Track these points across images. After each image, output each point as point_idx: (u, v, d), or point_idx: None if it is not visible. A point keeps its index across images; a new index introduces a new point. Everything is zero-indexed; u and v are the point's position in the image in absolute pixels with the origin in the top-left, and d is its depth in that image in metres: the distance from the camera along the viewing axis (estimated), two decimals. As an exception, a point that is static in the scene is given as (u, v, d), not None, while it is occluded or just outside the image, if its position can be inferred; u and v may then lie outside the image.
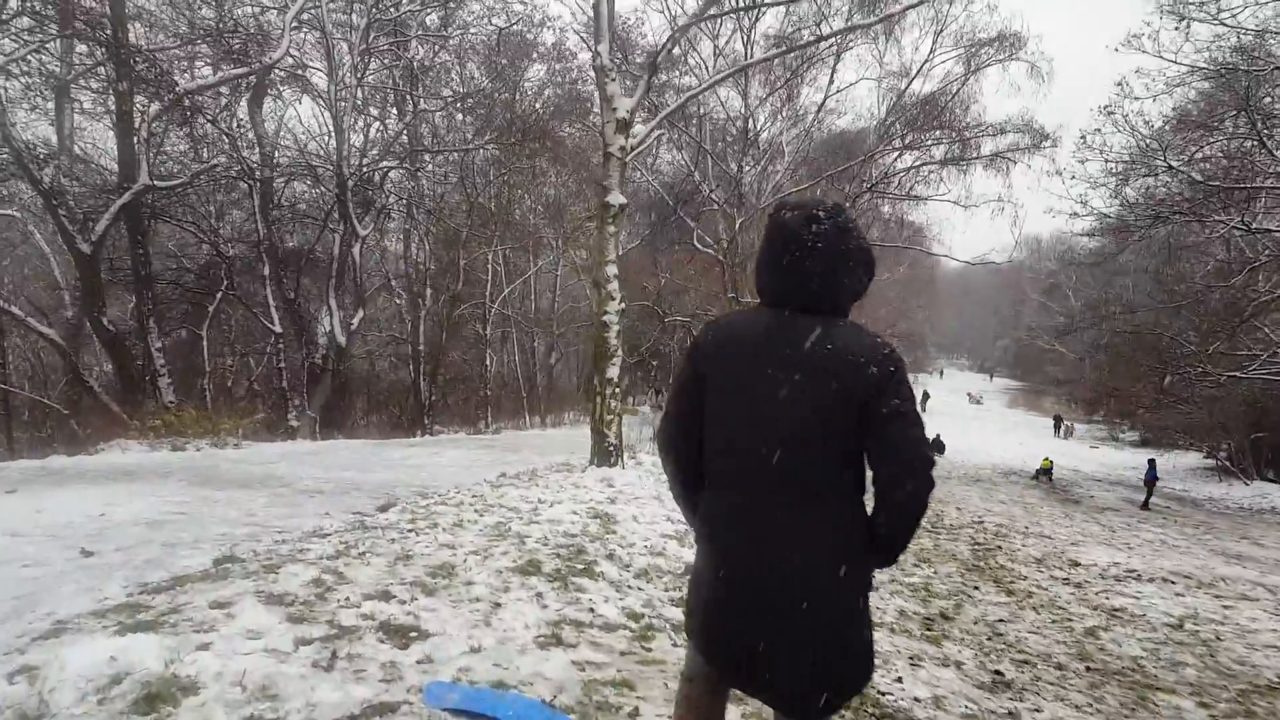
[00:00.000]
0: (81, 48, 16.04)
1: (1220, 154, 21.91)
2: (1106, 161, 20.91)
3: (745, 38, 21.19)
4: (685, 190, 22.75)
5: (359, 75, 19.40)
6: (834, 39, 18.24)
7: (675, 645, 3.78)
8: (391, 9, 20.23)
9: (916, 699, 3.94)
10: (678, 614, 4.30)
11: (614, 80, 8.51)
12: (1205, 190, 19.51)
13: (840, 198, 22.94)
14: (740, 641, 1.84)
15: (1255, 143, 19.87)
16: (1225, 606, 8.28)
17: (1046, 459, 23.96)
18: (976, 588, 7.80)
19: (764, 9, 17.54)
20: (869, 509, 1.86)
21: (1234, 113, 19.96)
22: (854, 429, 1.76)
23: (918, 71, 22.11)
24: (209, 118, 18.69)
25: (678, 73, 20.85)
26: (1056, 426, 45.08)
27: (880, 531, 1.82)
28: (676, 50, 17.81)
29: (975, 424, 43.65)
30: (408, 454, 12.71)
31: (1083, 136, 20.33)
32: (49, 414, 18.61)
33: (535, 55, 22.96)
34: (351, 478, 9.17)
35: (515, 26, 21.22)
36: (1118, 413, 38.86)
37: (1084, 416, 47.17)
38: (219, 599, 3.62)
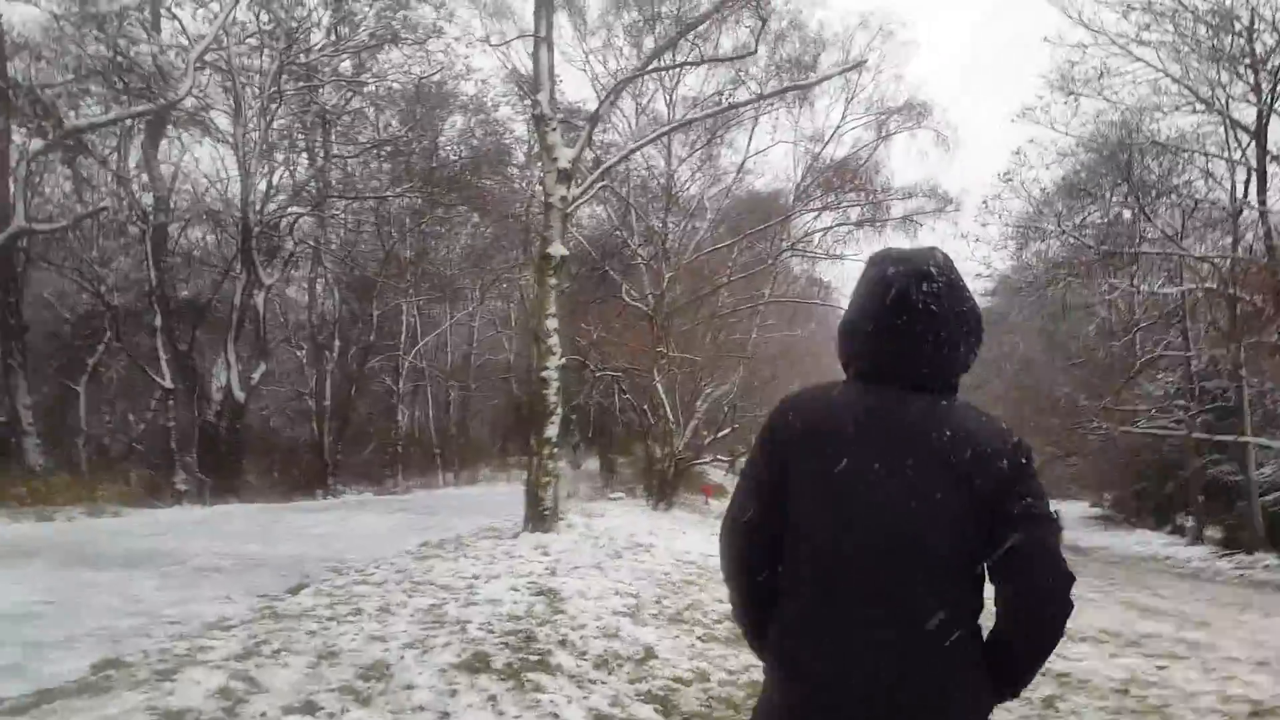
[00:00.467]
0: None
1: (1102, 219, 23.57)
2: (1005, 225, 22.10)
3: (668, 98, 21.53)
4: (613, 244, 22.64)
5: (268, 120, 18.57)
6: (759, 103, 18.67)
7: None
8: (301, 55, 19.59)
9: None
10: (649, 713, 3.82)
11: (554, 130, 8.24)
12: (1094, 253, 20.75)
13: (759, 256, 23.40)
14: None
15: (1135, 210, 21.44)
16: (1159, 667, 8.29)
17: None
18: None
19: (688, 69, 17.85)
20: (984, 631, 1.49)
21: (1117, 183, 21.49)
22: (980, 536, 1.40)
23: (830, 136, 22.94)
24: (98, 158, 17.46)
25: (601, 129, 20.91)
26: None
27: (1004, 662, 1.46)
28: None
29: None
30: (314, 520, 11.76)
31: (984, 202, 21.43)
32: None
33: (454, 105, 22.62)
34: (254, 551, 8.28)
35: (435, 76, 20.87)
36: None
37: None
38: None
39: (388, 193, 22.41)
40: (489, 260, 27.61)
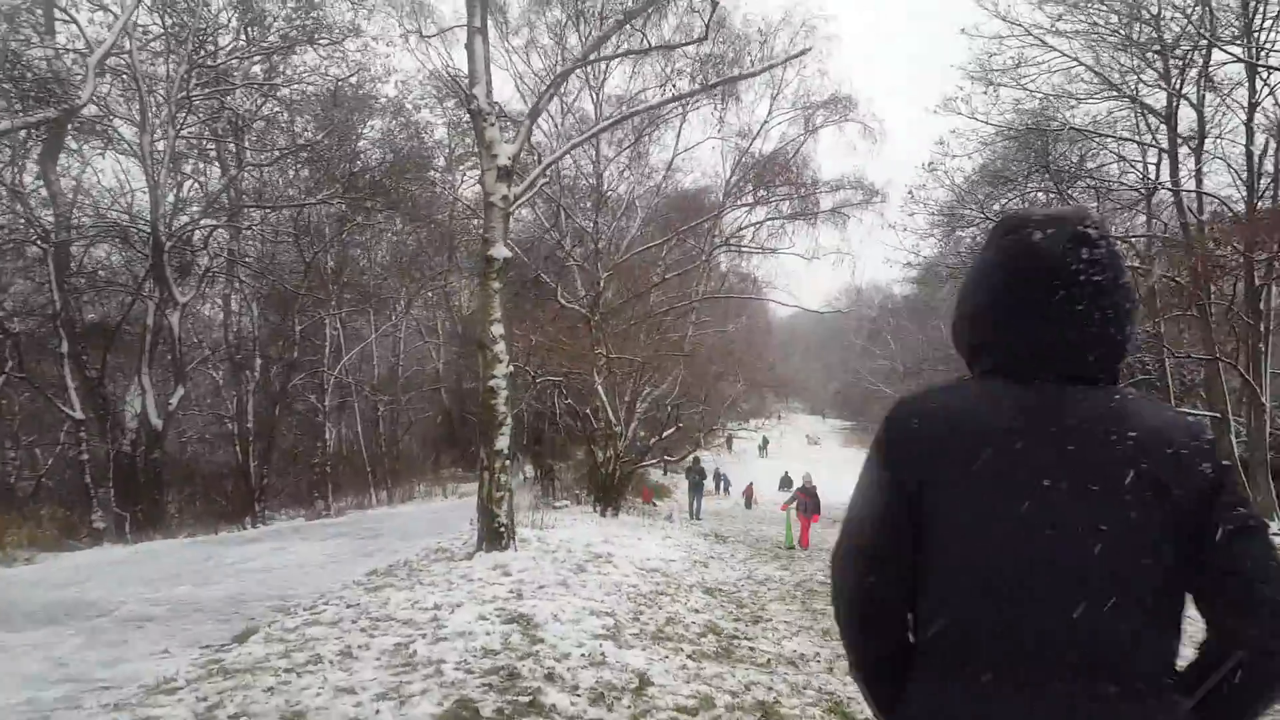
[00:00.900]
0: None
1: (1021, 205, 24.28)
2: (931, 214, 22.55)
3: (593, 96, 21.20)
4: (546, 247, 22.18)
5: (176, 128, 17.47)
6: (695, 97, 18.52)
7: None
8: (209, 60, 18.51)
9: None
10: (657, 751, 3.53)
11: (493, 125, 7.82)
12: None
13: (689, 254, 23.30)
14: None
15: (1053, 195, 22.14)
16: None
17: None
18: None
19: (615, 66, 17.56)
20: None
21: (1036, 170, 22.15)
22: (1181, 560, 1.13)
23: (758, 132, 23.00)
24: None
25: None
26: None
27: (1219, 715, 1.14)
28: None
29: (821, 464, 45.28)
30: (247, 553, 11.03)
31: (909, 191, 21.82)
32: None
33: (374, 108, 21.79)
34: (187, 594, 7.64)
35: (353, 78, 20.03)
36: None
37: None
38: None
39: (306, 200, 21.44)
40: (414, 268, 26.79)
